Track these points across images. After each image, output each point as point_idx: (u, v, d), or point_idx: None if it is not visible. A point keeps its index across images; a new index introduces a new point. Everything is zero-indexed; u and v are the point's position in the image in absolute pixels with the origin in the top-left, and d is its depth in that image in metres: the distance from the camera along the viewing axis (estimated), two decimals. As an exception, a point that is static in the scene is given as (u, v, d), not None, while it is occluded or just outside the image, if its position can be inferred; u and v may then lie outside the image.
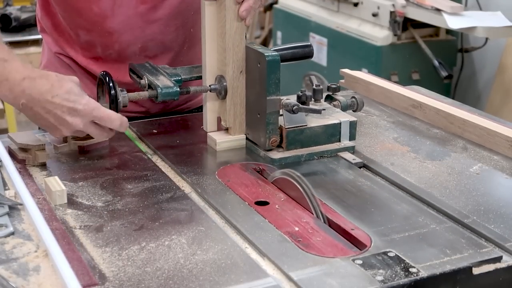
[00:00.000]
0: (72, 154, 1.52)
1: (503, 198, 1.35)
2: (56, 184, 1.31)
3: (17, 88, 1.35)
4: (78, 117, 1.36)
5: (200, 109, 1.79)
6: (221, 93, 1.52)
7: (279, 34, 4.64)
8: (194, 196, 1.35)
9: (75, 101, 1.36)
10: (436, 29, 3.75)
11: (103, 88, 1.49)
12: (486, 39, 3.81)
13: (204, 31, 1.50)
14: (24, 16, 5.32)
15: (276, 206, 1.29)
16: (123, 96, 1.46)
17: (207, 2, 1.48)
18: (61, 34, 1.69)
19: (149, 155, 1.53)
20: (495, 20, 3.36)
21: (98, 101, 1.51)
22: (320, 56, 4.10)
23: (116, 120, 1.40)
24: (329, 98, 1.65)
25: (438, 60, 3.60)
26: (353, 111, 1.65)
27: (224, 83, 1.50)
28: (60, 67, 1.73)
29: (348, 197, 1.33)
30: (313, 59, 1.92)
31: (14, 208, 1.26)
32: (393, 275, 1.06)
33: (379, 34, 3.69)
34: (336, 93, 1.65)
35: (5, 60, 1.37)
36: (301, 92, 1.55)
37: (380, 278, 1.05)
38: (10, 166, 1.38)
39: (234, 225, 1.22)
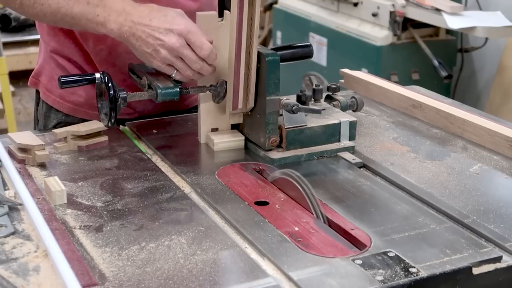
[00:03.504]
0: (72, 154, 1.52)
1: (503, 198, 1.35)
2: (56, 184, 1.31)
3: (120, 18, 1.43)
4: (174, 36, 1.40)
5: (195, 108, 1.79)
6: (220, 95, 1.51)
7: (278, 34, 4.64)
8: (194, 196, 1.35)
9: (171, 22, 1.41)
10: (436, 29, 3.75)
11: (102, 88, 1.49)
12: (486, 39, 3.81)
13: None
14: (24, 16, 5.31)
15: (276, 206, 1.29)
16: (122, 96, 1.46)
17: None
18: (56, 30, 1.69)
19: (149, 155, 1.53)
20: (495, 20, 3.36)
21: (97, 101, 1.51)
22: (320, 56, 4.10)
23: (206, 49, 1.41)
24: (329, 98, 1.65)
25: (438, 60, 3.60)
26: (353, 111, 1.65)
27: (225, 86, 1.50)
28: (55, 67, 1.72)
29: (348, 197, 1.33)
30: (313, 59, 1.92)
31: (14, 208, 1.26)
32: (393, 275, 1.06)
33: (379, 34, 3.69)
34: (336, 93, 1.65)
35: (101, 0, 1.45)
36: (300, 92, 1.55)
37: (380, 278, 1.05)
38: (10, 166, 1.38)
39: (234, 225, 1.22)
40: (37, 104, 1.82)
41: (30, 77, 1.80)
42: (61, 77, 1.49)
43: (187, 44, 1.41)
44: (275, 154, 1.49)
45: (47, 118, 1.77)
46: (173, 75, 1.45)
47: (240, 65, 1.45)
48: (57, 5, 1.47)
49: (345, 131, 1.54)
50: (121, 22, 1.43)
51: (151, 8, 1.44)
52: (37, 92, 1.81)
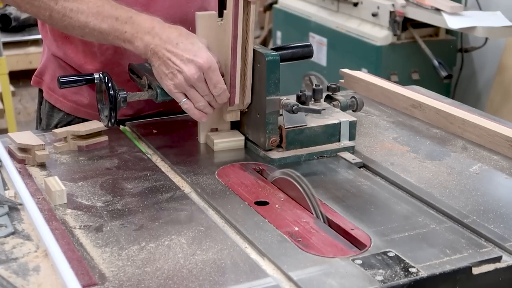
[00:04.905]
0: (72, 154, 1.52)
1: (503, 198, 1.35)
2: (56, 184, 1.31)
3: (148, 36, 1.44)
4: (193, 68, 1.41)
5: None
6: None
7: (278, 34, 4.64)
8: (194, 196, 1.35)
9: (196, 53, 1.42)
10: (436, 29, 3.75)
11: (102, 88, 1.49)
12: (486, 39, 3.81)
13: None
14: (24, 16, 5.31)
15: (276, 206, 1.29)
16: (122, 96, 1.46)
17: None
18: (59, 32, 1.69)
19: (149, 155, 1.53)
20: (495, 20, 3.36)
21: (97, 102, 1.51)
22: (320, 56, 4.10)
23: (220, 88, 1.44)
24: (329, 98, 1.65)
25: (438, 60, 3.60)
26: (353, 111, 1.65)
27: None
28: (58, 67, 1.73)
29: (348, 197, 1.33)
30: (312, 59, 1.92)
31: (14, 208, 1.26)
32: (393, 275, 1.06)
33: (379, 34, 3.69)
34: (336, 93, 1.65)
35: (130, 17, 1.46)
36: (300, 92, 1.55)
37: (380, 278, 1.05)
38: (10, 166, 1.38)
39: (234, 225, 1.22)
40: (40, 103, 1.82)
41: (33, 76, 1.81)
42: (60, 77, 1.49)
43: (204, 78, 1.43)
44: (275, 154, 1.49)
45: (49, 117, 1.77)
46: (181, 103, 1.46)
47: (236, 60, 1.46)
48: (86, 19, 1.47)
49: (345, 131, 1.54)
50: (148, 40, 1.43)
51: (180, 31, 1.45)
52: (40, 91, 1.81)
